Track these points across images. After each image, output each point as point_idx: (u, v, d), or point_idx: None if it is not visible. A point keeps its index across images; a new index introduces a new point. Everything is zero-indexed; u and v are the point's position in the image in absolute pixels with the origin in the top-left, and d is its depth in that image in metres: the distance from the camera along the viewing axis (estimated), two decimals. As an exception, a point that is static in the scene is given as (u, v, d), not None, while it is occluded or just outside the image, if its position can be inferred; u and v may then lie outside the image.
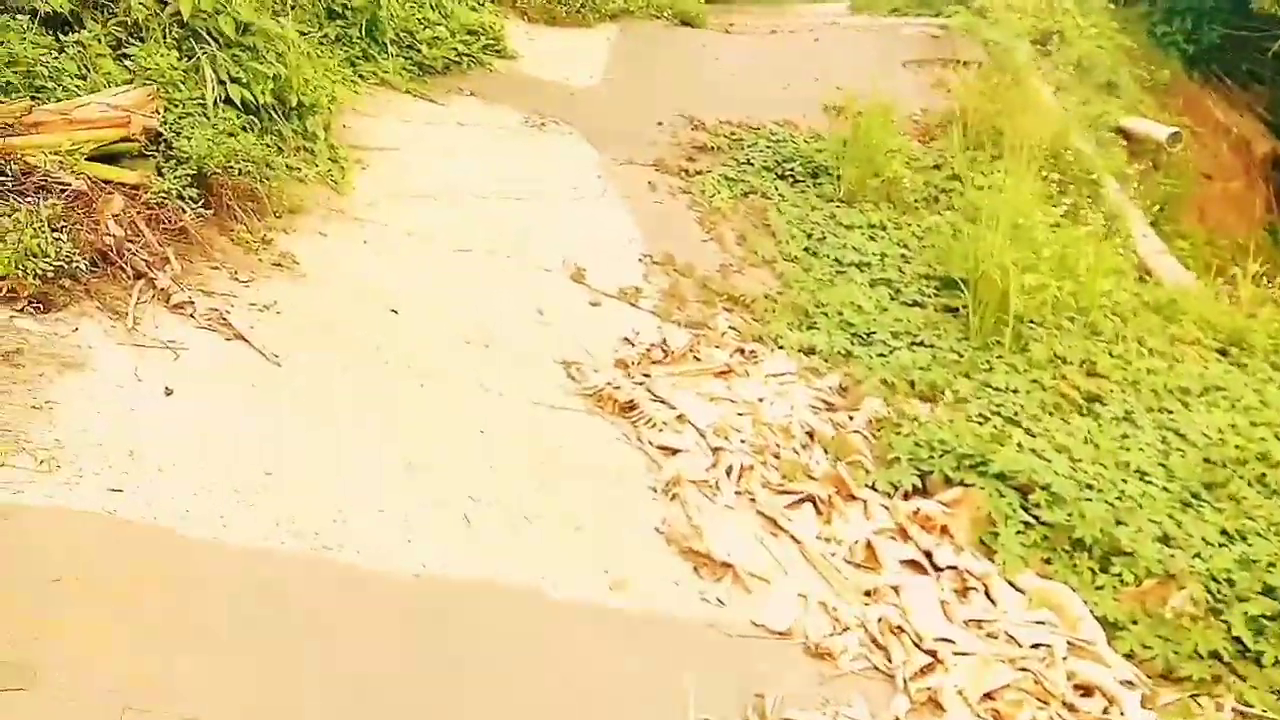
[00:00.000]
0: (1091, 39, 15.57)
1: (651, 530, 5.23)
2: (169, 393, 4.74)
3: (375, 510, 4.59)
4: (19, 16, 6.31)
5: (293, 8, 9.81)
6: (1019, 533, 5.77)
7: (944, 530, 5.66)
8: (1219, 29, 17.48)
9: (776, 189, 10.27)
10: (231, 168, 6.32)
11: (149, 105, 6.22)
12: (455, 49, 11.16)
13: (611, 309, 7.30)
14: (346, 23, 10.37)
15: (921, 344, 7.77)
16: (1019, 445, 6.39)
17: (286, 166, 7.11)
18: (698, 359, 6.80)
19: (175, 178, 6.06)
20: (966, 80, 12.00)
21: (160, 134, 6.31)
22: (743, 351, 7.00)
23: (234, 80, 7.15)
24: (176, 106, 6.58)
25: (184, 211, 5.92)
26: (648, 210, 9.28)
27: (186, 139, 6.29)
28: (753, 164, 10.62)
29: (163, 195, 5.91)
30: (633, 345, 6.74)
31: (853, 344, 7.65)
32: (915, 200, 10.21)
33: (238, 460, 4.51)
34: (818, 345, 7.49)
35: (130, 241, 5.49)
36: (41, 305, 4.89)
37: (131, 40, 6.99)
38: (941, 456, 6.11)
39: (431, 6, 11.49)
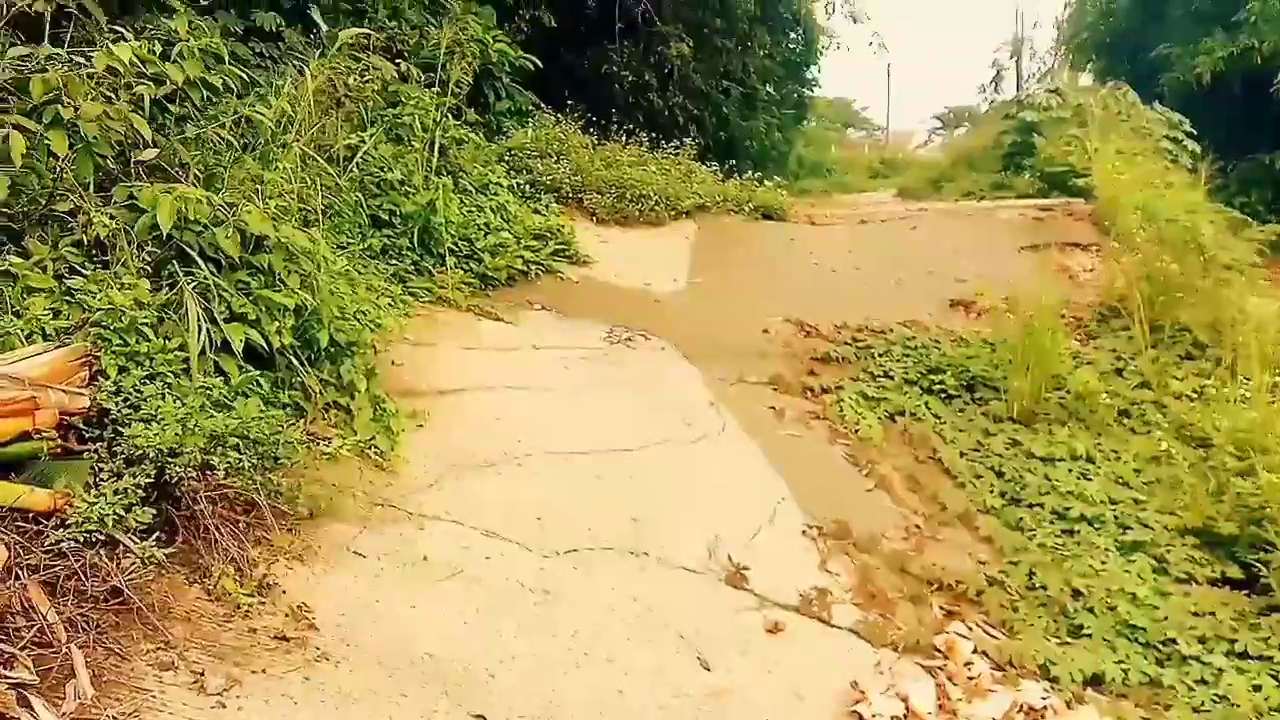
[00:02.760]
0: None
1: None
2: None
3: None
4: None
5: (328, 214, 7.37)
6: None
7: None
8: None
9: (929, 409, 7.52)
10: (214, 465, 3.60)
11: (76, 373, 3.56)
12: (521, 257, 8.67)
13: (800, 635, 4.42)
14: (395, 232, 7.92)
15: (1245, 654, 4.82)
16: None
17: (308, 441, 4.41)
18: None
19: (117, 493, 3.33)
20: (1124, 266, 9.40)
21: (100, 415, 3.63)
22: (1030, 711, 4.07)
23: (236, 317, 4.54)
24: (138, 365, 3.93)
25: (123, 557, 3.15)
26: (784, 449, 6.51)
27: (145, 422, 3.60)
28: (891, 377, 7.90)
29: (87, 532, 3.16)
30: (864, 720, 3.82)
31: (1150, 661, 4.72)
32: (1110, 419, 7.41)
33: None
34: (1105, 671, 4.57)
35: (5, 629, 2.73)
36: None
37: (92, 264, 4.44)
38: None
39: (492, 210, 9.07)
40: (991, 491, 6.48)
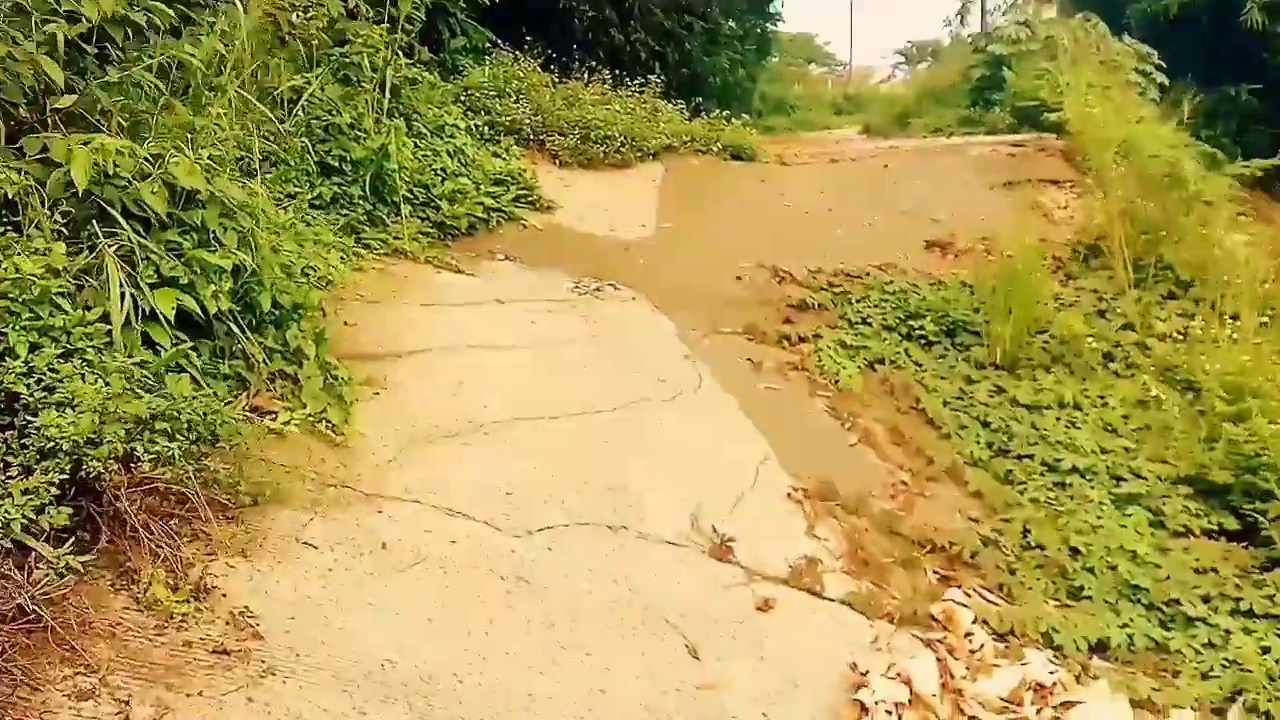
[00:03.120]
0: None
1: None
2: None
3: None
4: None
5: (272, 163, 6.83)
6: None
7: None
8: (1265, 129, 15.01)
9: (909, 355, 7.19)
10: (137, 455, 3.16)
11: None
12: (481, 203, 8.16)
13: (792, 612, 4.09)
14: (345, 179, 7.38)
15: (1251, 613, 4.57)
16: None
17: (251, 417, 3.97)
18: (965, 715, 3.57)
19: (27, 492, 2.89)
20: (1103, 203, 9.05)
21: (10, 401, 3.17)
22: (1038, 689, 3.78)
23: (166, 282, 4.06)
24: (53, 341, 3.45)
25: (35, 567, 2.73)
26: (763, 404, 6.15)
27: (59, 407, 3.14)
28: (869, 323, 7.55)
29: (-13, 537, 2.73)
30: (867, 712, 3.49)
31: (1155, 624, 4.46)
32: (1095, 363, 7.12)
33: None
34: (1110, 637, 4.30)
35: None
36: None
37: (0, 226, 3.93)
38: None
39: (449, 155, 8.52)
40: (978, 443, 6.18)
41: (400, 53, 8.85)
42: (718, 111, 12.41)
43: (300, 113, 7.41)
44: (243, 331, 4.33)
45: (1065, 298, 8.09)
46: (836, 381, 6.71)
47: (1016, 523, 5.28)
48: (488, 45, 11.95)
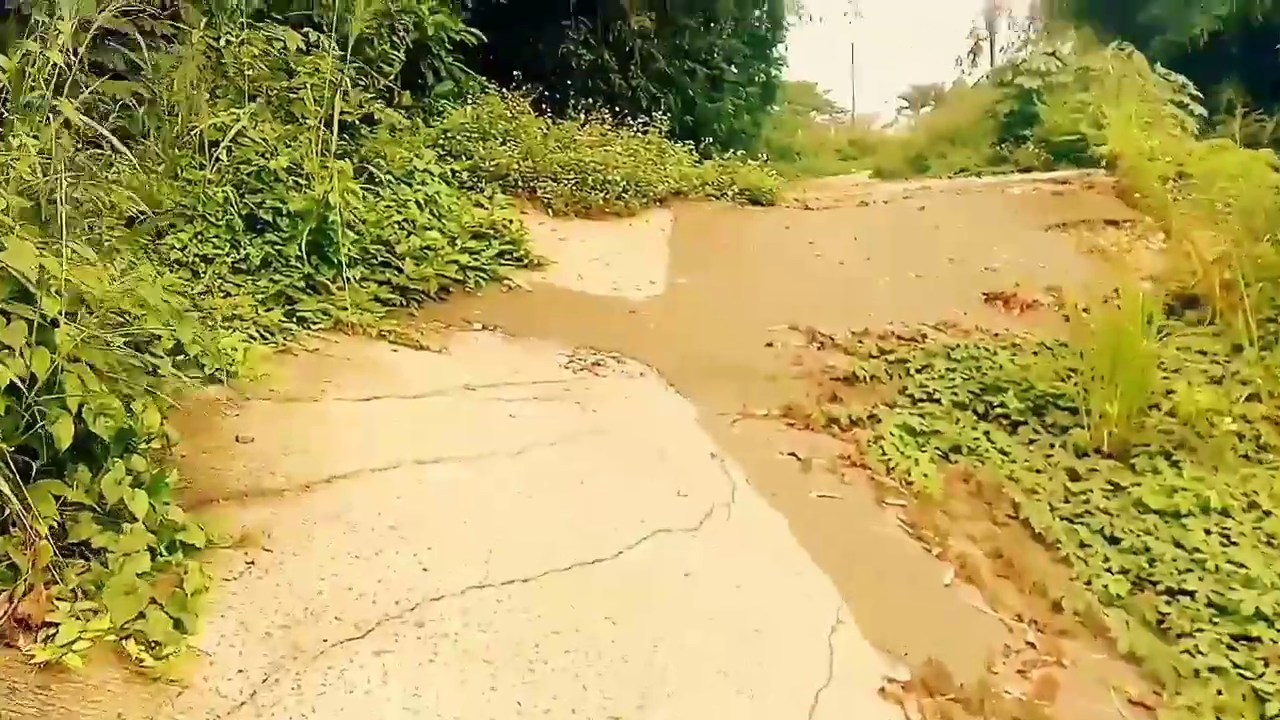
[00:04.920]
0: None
1: None
2: None
3: None
4: None
5: (183, 219, 5.13)
6: None
7: None
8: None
9: (991, 441, 5.40)
10: None
11: None
12: (456, 262, 6.44)
13: None
14: (280, 236, 5.65)
15: None
16: None
17: (9, 633, 2.19)
18: None
19: None
20: (1196, 244, 7.29)
21: None
22: None
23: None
24: None
25: None
26: (821, 524, 4.35)
27: None
28: (938, 400, 5.77)
29: None
30: None
31: None
32: (1229, 449, 5.30)
33: None
34: None
35: None
36: None
37: None
38: None
39: (419, 205, 6.81)
40: (1109, 570, 4.36)
41: (380, 98, 7.25)
42: (729, 154, 10.72)
43: (224, 156, 5.70)
44: (20, 483, 2.54)
45: (1166, 361, 6.29)
46: (909, 482, 4.92)
47: (1206, 713, 3.44)
48: (478, 90, 10.33)
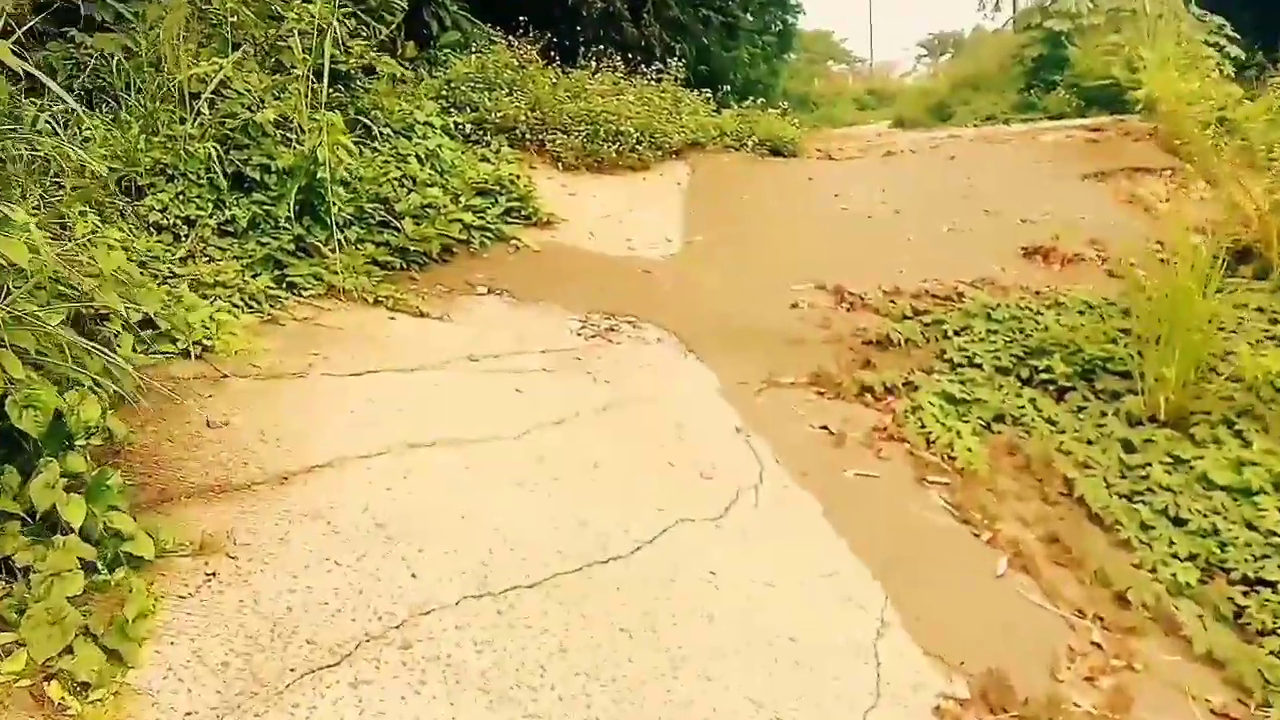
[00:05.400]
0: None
1: None
2: None
3: None
4: None
5: (163, 178, 4.68)
6: None
7: None
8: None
9: (1038, 410, 4.93)
10: None
11: None
12: (459, 220, 5.95)
13: None
14: (268, 195, 5.17)
15: None
16: None
17: None
18: None
19: None
20: (1252, 193, 6.71)
21: None
22: None
23: None
24: None
25: None
26: (859, 508, 3.91)
27: None
28: (979, 365, 5.28)
29: None
30: None
31: None
32: (1303, 415, 4.80)
33: None
34: None
35: None
36: None
37: None
38: None
39: (419, 159, 6.32)
40: (1176, 556, 3.91)
41: (383, 49, 6.73)
42: (749, 103, 10.12)
43: (206, 110, 5.21)
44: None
45: (1223, 321, 5.75)
46: (951, 457, 4.45)
47: (1306, 728, 3.00)
48: (485, 40, 9.76)
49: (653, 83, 9.15)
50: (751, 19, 17.91)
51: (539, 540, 3.04)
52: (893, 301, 6.00)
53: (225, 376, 3.65)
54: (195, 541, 2.59)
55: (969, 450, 4.50)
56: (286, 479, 3.04)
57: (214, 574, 2.51)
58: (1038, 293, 6.16)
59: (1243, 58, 12.17)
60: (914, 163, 8.91)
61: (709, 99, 9.75)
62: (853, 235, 7.02)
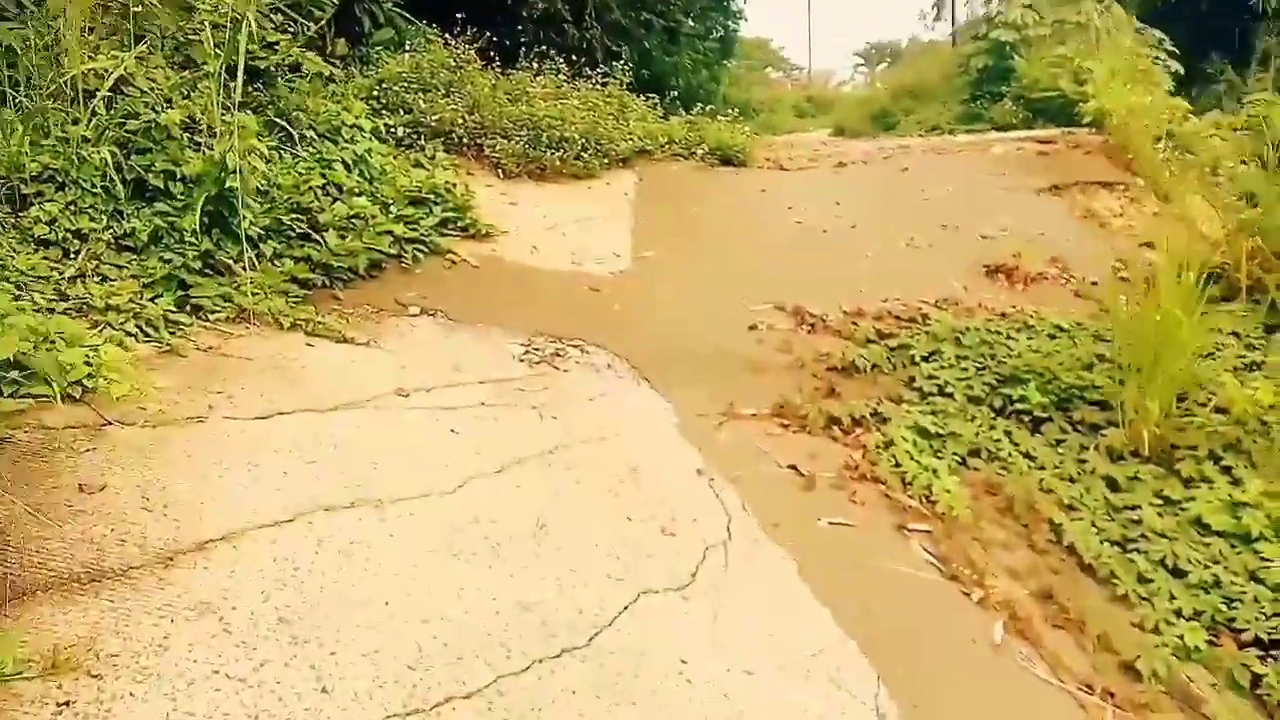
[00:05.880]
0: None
1: None
2: None
3: None
4: None
5: (53, 185, 4.04)
6: None
7: None
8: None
9: (1015, 444, 4.57)
10: None
11: None
12: (389, 233, 5.38)
13: None
14: (173, 205, 4.56)
15: None
16: None
17: None
18: None
19: None
20: (1223, 211, 6.47)
21: None
22: None
23: None
24: None
25: None
26: (836, 565, 3.48)
27: None
28: (949, 393, 4.91)
29: None
30: None
31: None
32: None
33: None
34: None
35: None
36: None
37: None
38: None
39: (346, 165, 5.73)
40: (1179, 614, 3.55)
41: (310, 48, 6.12)
42: (695, 110, 9.68)
43: (103, 109, 4.58)
44: None
45: (1202, 347, 5.47)
46: (930, 499, 4.05)
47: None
48: (420, 40, 9.16)
49: (598, 87, 8.65)
50: (693, 24, 17.52)
51: (478, 631, 2.53)
52: (855, 323, 5.60)
53: (107, 424, 3.07)
54: (47, 656, 2.03)
55: (948, 492, 4.09)
56: (171, 560, 2.48)
57: (68, 703, 1.95)
58: (1004, 314, 5.82)
59: (1181, 71, 12.16)
60: (866, 174, 8.56)
61: (655, 105, 9.28)
62: (810, 250, 6.62)
